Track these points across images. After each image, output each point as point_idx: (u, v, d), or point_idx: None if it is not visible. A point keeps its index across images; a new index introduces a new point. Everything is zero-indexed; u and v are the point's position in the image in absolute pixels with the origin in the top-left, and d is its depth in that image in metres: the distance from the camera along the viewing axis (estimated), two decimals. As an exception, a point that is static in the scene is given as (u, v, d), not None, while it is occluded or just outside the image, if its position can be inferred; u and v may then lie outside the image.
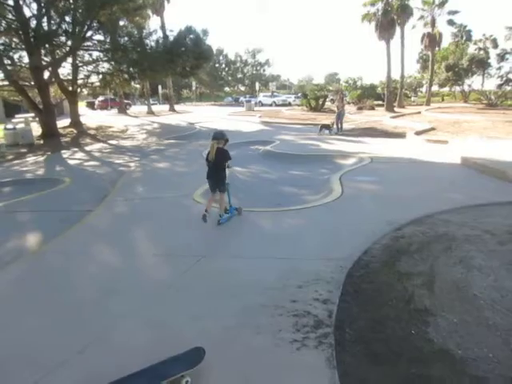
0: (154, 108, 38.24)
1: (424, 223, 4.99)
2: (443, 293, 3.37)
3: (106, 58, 20.19)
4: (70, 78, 20.85)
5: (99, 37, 19.62)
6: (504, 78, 41.72)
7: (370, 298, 3.36)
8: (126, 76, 20.39)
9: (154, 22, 34.03)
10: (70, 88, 20.62)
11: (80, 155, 12.58)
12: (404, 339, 2.79)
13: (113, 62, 20.05)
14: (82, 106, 36.51)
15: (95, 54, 20.48)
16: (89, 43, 19.38)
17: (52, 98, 20.87)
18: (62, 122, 20.91)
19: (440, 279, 3.59)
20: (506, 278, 3.57)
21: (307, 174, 8.64)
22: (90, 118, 27.91)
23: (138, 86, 46.35)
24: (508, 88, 37.06)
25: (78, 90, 21.97)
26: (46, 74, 18.20)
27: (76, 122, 20.86)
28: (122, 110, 35.28)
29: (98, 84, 23.03)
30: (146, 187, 7.77)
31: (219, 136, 5.08)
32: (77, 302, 3.45)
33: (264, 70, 70.68)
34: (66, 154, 12.85)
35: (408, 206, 5.71)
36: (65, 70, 20.90)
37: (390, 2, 28.53)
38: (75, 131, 19.20)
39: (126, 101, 40.62)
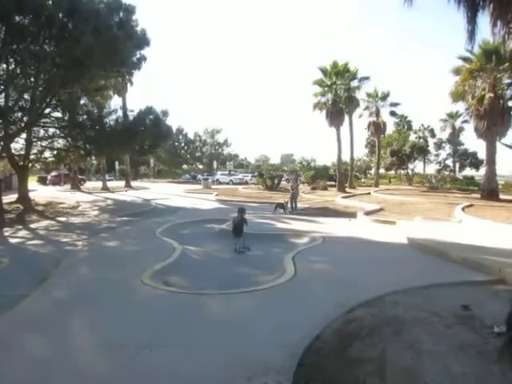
0: (110, 184, 37.84)
1: (374, 306, 5.01)
2: (394, 382, 3.29)
3: (62, 135, 20.08)
4: (22, 152, 20.26)
5: (57, 114, 19.74)
6: (442, 164, 46.74)
7: (322, 390, 3.21)
8: (82, 152, 20.26)
9: (115, 101, 35.14)
10: (21, 163, 19.92)
11: (23, 233, 11.86)
12: None
13: (69, 139, 19.96)
14: (32, 182, 35.39)
15: (51, 129, 20.37)
16: (46, 119, 19.36)
17: (0, 172, 20.08)
18: (9, 198, 19.90)
19: (391, 366, 3.53)
20: (454, 362, 3.58)
21: (261, 254, 8.61)
22: (41, 193, 26.91)
23: (94, 161, 46.23)
24: (446, 173, 41.06)
25: (30, 165, 21.26)
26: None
27: (24, 197, 19.67)
28: (76, 185, 34.50)
29: (52, 159, 22.59)
30: (92, 268, 7.33)
31: (242, 211, 8.90)
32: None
33: (222, 150, 73.08)
34: (7, 231, 12.05)
35: (358, 287, 5.76)
36: (17, 144, 20.43)
37: (338, 94, 31.54)
38: (22, 207, 18.27)
39: (80, 176, 39.97)
